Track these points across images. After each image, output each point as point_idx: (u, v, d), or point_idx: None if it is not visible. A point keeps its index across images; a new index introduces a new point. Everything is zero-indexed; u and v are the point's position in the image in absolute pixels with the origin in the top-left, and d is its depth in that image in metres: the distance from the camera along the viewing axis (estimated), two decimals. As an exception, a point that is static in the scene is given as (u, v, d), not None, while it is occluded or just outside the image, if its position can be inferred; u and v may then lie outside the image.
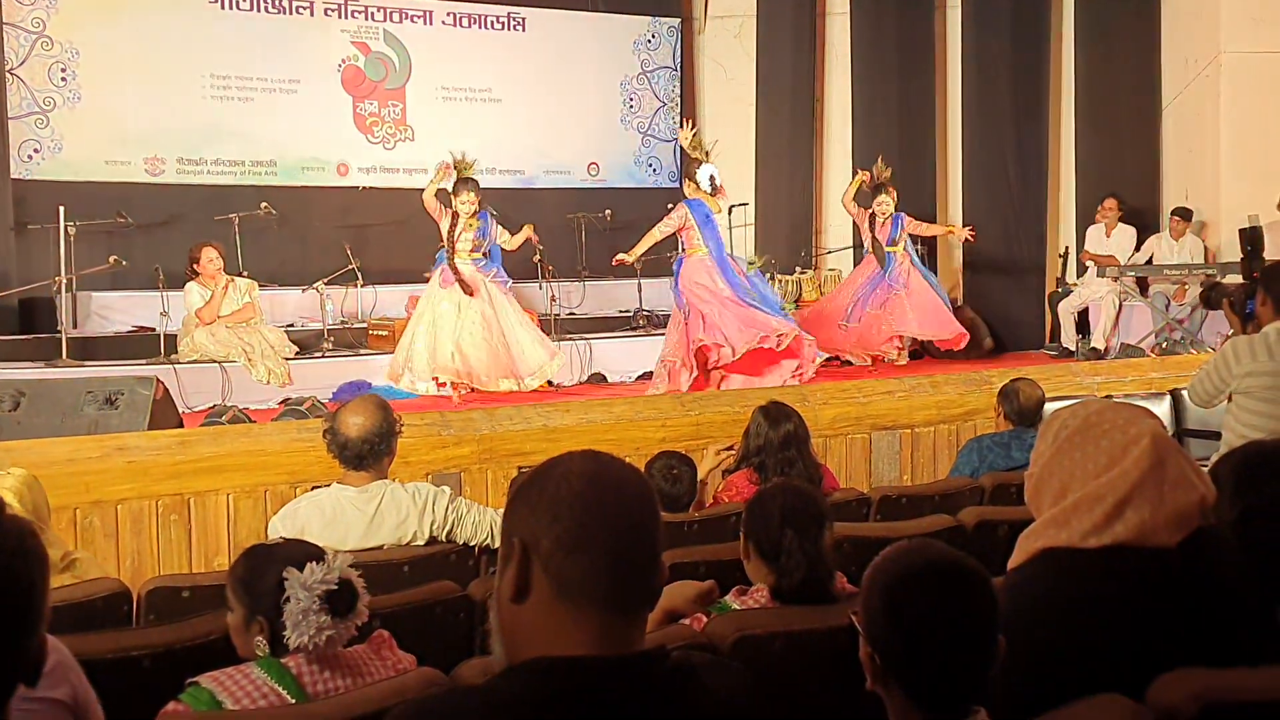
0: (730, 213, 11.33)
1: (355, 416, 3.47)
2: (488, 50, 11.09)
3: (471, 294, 7.65)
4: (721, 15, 12.09)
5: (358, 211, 10.38)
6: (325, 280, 8.87)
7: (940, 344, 9.21)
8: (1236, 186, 9.71)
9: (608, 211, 10.72)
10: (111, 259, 8.21)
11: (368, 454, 3.47)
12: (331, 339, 8.67)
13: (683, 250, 7.80)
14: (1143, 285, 9.65)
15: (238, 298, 8.12)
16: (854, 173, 9.49)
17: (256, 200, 9.34)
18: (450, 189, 7.76)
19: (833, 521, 2.68)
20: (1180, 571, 1.89)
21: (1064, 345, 9.94)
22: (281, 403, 7.45)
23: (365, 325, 9.15)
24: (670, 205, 8.01)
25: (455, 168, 7.77)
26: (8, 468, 3.31)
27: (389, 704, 1.81)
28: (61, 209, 8.25)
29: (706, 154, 7.85)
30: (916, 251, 9.35)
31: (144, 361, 7.69)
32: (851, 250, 10.95)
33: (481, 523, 3.58)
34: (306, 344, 8.58)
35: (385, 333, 8.81)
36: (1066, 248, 10.72)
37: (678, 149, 12.01)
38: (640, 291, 10.00)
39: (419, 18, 10.82)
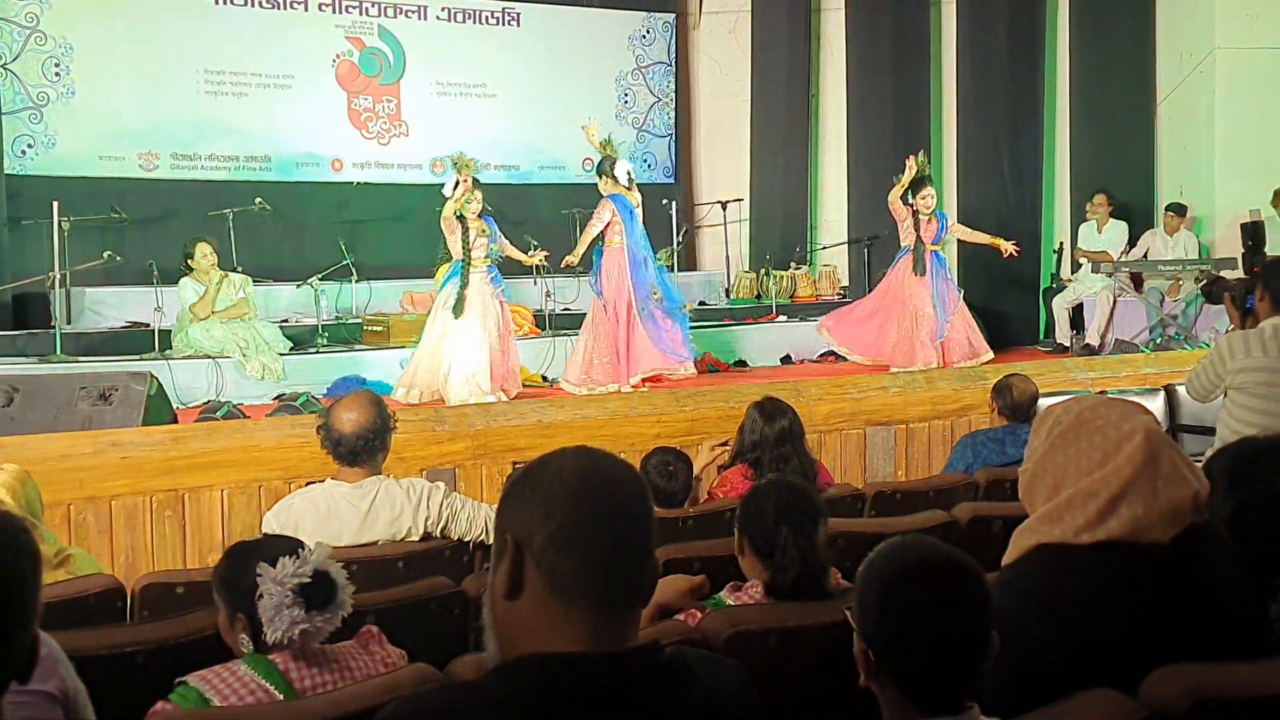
0: (725, 208, 11.40)
1: (349, 412, 3.47)
2: (482, 45, 11.09)
3: (459, 315, 7.41)
4: (716, 10, 12.10)
5: (352, 207, 10.39)
6: (320, 276, 8.86)
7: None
8: (1231, 182, 9.73)
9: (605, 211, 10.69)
10: (105, 254, 8.21)
11: (362, 450, 3.46)
12: (326, 334, 8.66)
13: (603, 241, 7.89)
14: (1137, 281, 9.66)
15: (232, 293, 8.11)
16: (903, 168, 8.54)
17: (251, 196, 9.33)
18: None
19: (827, 517, 2.68)
20: (1174, 567, 1.89)
21: (1058, 341, 9.96)
22: (276, 398, 7.45)
23: (360, 321, 9.14)
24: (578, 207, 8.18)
25: (459, 168, 7.56)
26: (1, 464, 3.30)
27: (383, 700, 1.81)
28: (55, 204, 8.23)
29: (615, 151, 8.02)
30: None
31: (138, 357, 7.68)
32: (846, 247, 10.97)
33: (476, 518, 3.58)
34: (301, 339, 8.57)
35: (380, 328, 8.80)
36: (1061, 243, 10.73)
37: (672, 145, 12.03)
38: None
39: (413, 13, 10.81)
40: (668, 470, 3.93)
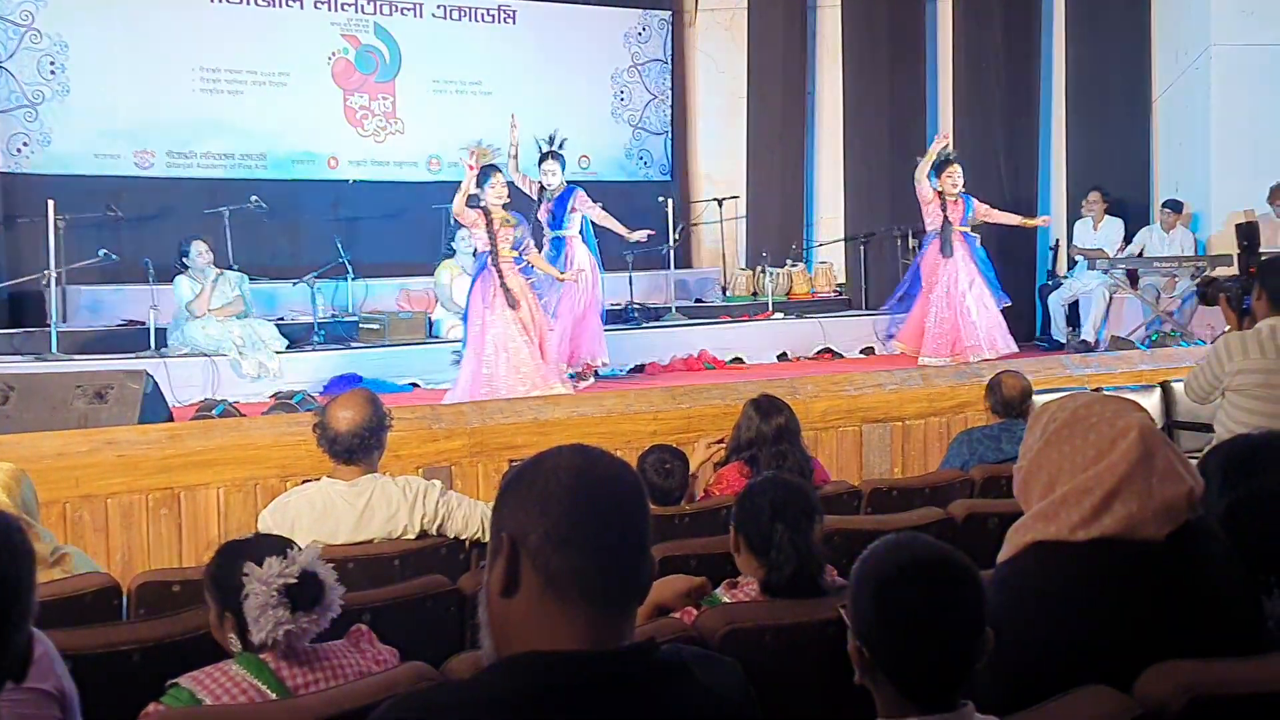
0: (721, 205, 11.39)
1: (345, 411, 3.46)
2: (478, 43, 11.08)
3: (515, 306, 7.17)
4: (712, 8, 12.09)
5: (348, 205, 10.37)
6: (316, 274, 8.85)
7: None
8: (1227, 179, 9.73)
9: (599, 204, 10.69)
10: (101, 252, 8.19)
11: (358, 448, 3.46)
12: (322, 332, 8.65)
13: (566, 230, 8.09)
14: (1133, 278, 9.66)
15: (228, 291, 8.10)
16: (928, 157, 8.43)
17: (246, 193, 9.30)
18: (475, 185, 7.21)
19: (823, 514, 2.68)
20: (1168, 564, 1.89)
21: (1054, 338, 9.96)
22: (272, 396, 7.43)
23: (356, 319, 9.13)
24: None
25: (475, 156, 7.23)
26: (-4, 462, 3.29)
27: (379, 699, 1.81)
28: (51, 203, 8.20)
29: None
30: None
31: (133, 355, 7.66)
32: (843, 244, 10.97)
33: (472, 516, 3.57)
34: (297, 337, 8.56)
35: (376, 326, 8.79)
36: (1057, 240, 10.74)
37: (668, 142, 12.03)
38: (631, 285, 9.98)
39: (409, 10, 10.80)
40: (664, 468, 3.93)
